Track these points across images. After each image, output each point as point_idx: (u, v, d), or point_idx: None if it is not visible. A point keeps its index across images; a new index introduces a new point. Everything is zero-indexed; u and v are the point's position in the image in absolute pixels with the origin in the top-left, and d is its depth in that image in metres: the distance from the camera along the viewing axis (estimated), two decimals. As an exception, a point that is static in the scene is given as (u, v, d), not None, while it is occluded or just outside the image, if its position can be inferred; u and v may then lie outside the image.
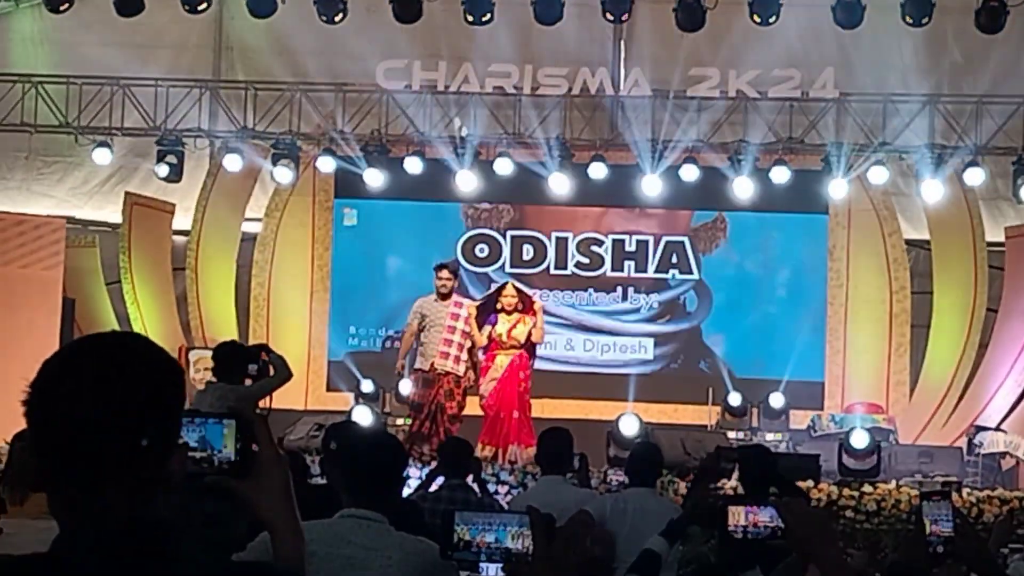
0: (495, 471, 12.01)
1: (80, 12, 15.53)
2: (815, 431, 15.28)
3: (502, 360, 12.76)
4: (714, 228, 17.12)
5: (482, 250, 17.26)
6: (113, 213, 17.20)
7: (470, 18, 15.02)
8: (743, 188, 16.00)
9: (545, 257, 17.22)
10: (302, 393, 15.96)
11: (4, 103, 16.31)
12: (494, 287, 14.10)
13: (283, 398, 10.20)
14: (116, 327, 15.84)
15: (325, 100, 16.68)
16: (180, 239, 17.34)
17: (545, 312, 13.47)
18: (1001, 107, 15.75)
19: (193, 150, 16.73)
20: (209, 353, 13.76)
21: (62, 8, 15.19)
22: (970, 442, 14.49)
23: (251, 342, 14.45)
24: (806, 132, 16.08)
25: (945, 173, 15.71)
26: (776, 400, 15.62)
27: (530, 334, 12.81)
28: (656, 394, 16.45)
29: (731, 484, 11.14)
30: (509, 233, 17.29)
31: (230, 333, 15.79)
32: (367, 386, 15.69)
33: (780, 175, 15.89)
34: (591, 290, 17.17)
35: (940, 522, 3.41)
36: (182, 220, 17.25)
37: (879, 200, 16.79)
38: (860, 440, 12.97)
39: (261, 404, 8.93)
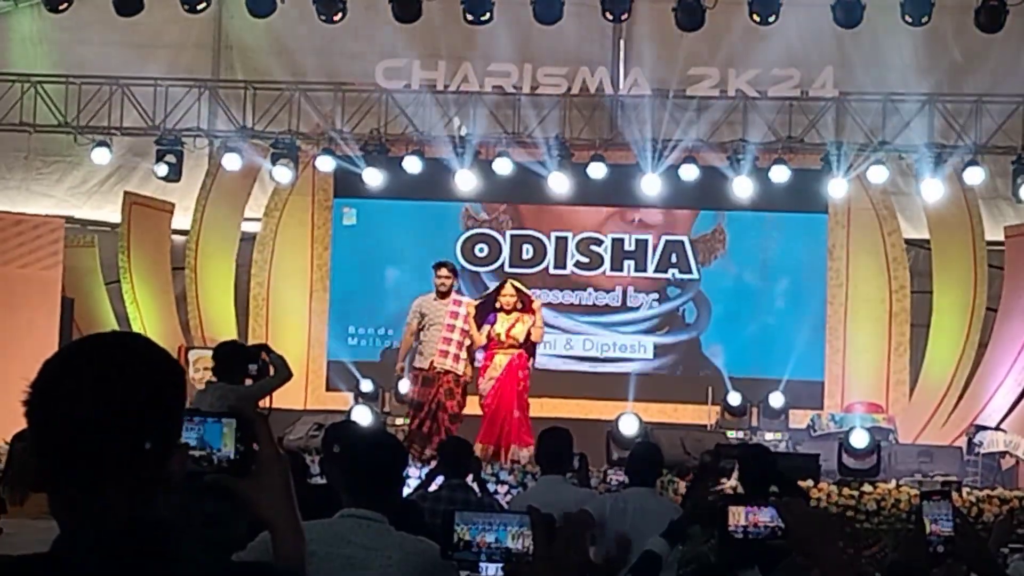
0: (495, 471, 12.00)
1: (79, 12, 15.53)
2: (815, 431, 15.28)
3: (501, 359, 12.74)
4: (712, 239, 17.12)
5: (481, 250, 17.27)
6: (112, 213, 17.19)
7: (469, 17, 15.01)
8: (743, 187, 16.01)
9: (544, 257, 17.22)
10: (301, 393, 15.96)
11: (3, 103, 16.31)
12: (493, 287, 14.08)
13: (282, 398, 10.20)
14: (115, 327, 15.85)
15: (324, 99, 16.68)
16: (179, 239, 17.34)
17: (536, 353, 13.39)
18: (1001, 106, 15.75)
19: (192, 150, 16.73)
20: (208, 353, 13.76)
21: (61, 8, 15.18)
22: (970, 441, 14.48)
23: (250, 342, 14.45)
24: (806, 131, 16.08)
25: (945, 172, 15.72)
26: (776, 399, 15.62)
27: (529, 333, 12.78)
28: (656, 394, 16.45)
29: (731, 483, 11.16)
30: (508, 233, 17.29)
31: (229, 333, 15.79)
32: (366, 386, 15.69)
33: (780, 174, 15.89)
34: (590, 289, 17.18)
35: (940, 522, 3.41)
36: (181, 220, 17.25)
37: (879, 199, 16.79)
38: (860, 440, 12.97)
39: (261, 404, 8.93)
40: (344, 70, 16.62)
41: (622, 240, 17.14)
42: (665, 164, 15.98)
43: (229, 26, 17.42)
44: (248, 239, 17.50)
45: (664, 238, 17.11)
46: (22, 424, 2.03)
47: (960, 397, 16.01)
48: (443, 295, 12.83)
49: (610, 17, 15.28)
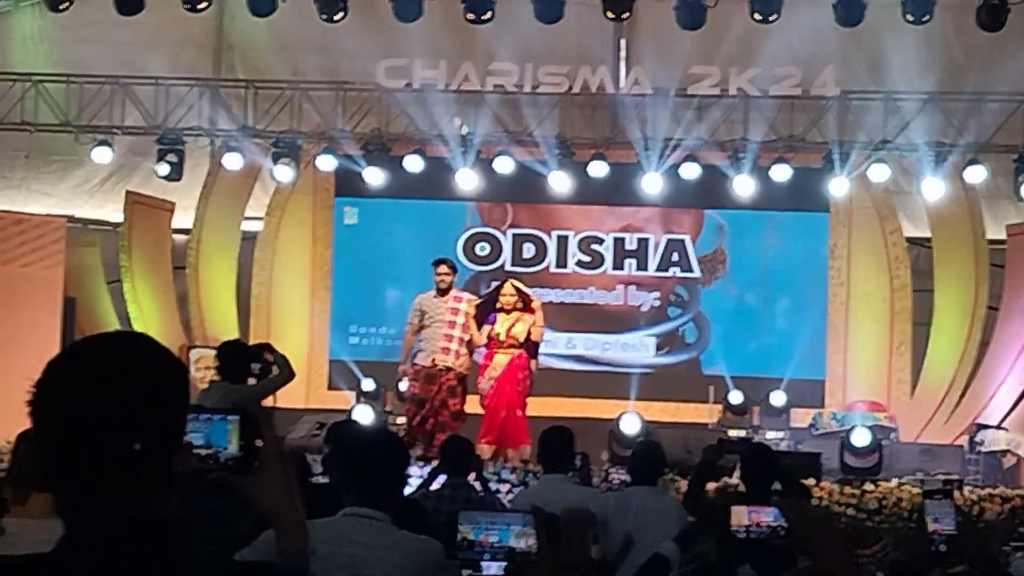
0: (496, 469, 11.99)
1: (80, 11, 15.52)
2: (816, 429, 15.27)
3: (501, 359, 12.71)
4: (714, 259, 17.12)
5: (483, 248, 17.27)
6: (114, 212, 17.20)
7: (471, 16, 15.01)
8: (744, 186, 16.01)
9: (546, 256, 17.22)
10: (303, 392, 15.95)
11: (4, 102, 16.31)
12: (490, 287, 14.08)
13: (284, 397, 10.22)
14: (117, 326, 15.88)
15: (325, 99, 16.69)
16: (181, 238, 17.34)
17: (540, 353, 13.36)
18: (1002, 105, 15.75)
19: (193, 149, 16.74)
20: (210, 352, 13.78)
21: (62, 7, 15.18)
22: (971, 440, 14.49)
23: (252, 341, 14.45)
24: (807, 130, 16.08)
25: (946, 171, 15.72)
26: (777, 398, 15.62)
27: (530, 332, 12.76)
28: (657, 392, 16.45)
29: (732, 482, 11.16)
30: (510, 231, 17.30)
31: (231, 332, 15.78)
32: (368, 385, 15.70)
33: (781, 173, 15.89)
34: (592, 288, 17.18)
35: (942, 520, 3.41)
36: (182, 219, 17.26)
37: (880, 198, 16.79)
38: (861, 438, 12.97)
39: (264, 403, 8.94)
40: (345, 69, 16.62)
41: (623, 239, 17.15)
42: (666, 163, 15.98)
43: (230, 25, 17.42)
44: (249, 238, 17.50)
45: (666, 237, 17.12)
46: (25, 423, 2.03)
47: (961, 396, 16.01)
48: (443, 292, 12.81)
49: (611, 16, 15.27)
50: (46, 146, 17.14)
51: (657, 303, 17.13)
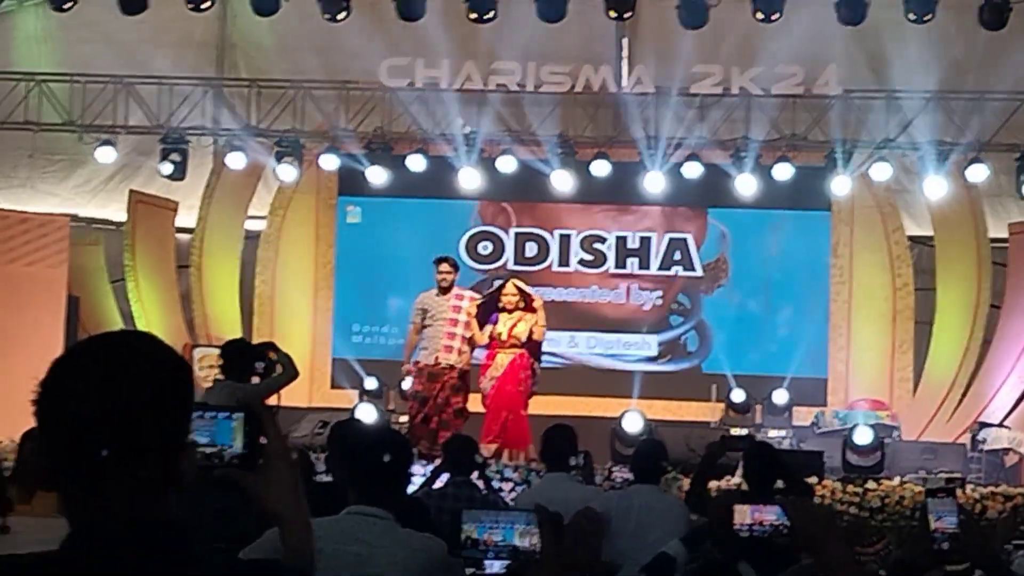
0: (499, 468, 11.99)
1: (84, 10, 15.52)
2: (819, 428, 15.28)
3: (502, 359, 12.70)
4: (716, 268, 17.12)
5: (485, 247, 17.28)
6: (117, 211, 17.21)
7: (473, 16, 15.01)
8: (746, 185, 16.01)
9: (548, 254, 17.23)
10: (306, 391, 15.97)
11: (8, 101, 16.32)
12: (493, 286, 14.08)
13: (287, 396, 10.22)
14: (120, 325, 15.90)
15: (328, 98, 16.70)
16: (184, 237, 17.35)
17: (543, 352, 13.35)
18: (1004, 103, 15.74)
19: (197, 148, 16.74)
20: (213, 351, 13.78)
21: (66, 6, 15.19)
22: (974, 438, 14.49)
23: (255, 340, 14.46)
24: (809, 129, 16.07)
25: (948, 169, 15.71)
26: (780, 397, 15.62)
27: (531, 332, 12.75)
28: (660, 391, 16.46)
29: (735, 480, 11.17)
30: (512, 230, 17.31)
31: (234, 331, 15.80)
32: (370, 383, 15.70)
33: (783, 172, 15.89)
34: (594, 287, 17.19)
35: (945, 519, 3.42)
36: (186, 218, 17.28)
37: (882, 197, 16.79)
38: (864, 437, 12.97)
39: (268, 402, 8.95)
40: (348, 68, 16.62)
41: (625, 238, 17.15)
42: (669, 162, 15.98)
43: (233, 25, 17.42)
44: (253, 237, 17.52)
45: (668, 236, 17.12)
46: (29, 421, 2.04)
47: (964, 394, 16.01)
48: (445, 291, 12.80)
49: (613, 15, 15.28)
50: (50, 145, 17.16)
51: (659, 302, 17.13)
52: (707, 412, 15.78)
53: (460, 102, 16.35)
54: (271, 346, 9.46)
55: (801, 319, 16.81)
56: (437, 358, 12.64)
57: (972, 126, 15.74)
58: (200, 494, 3.40)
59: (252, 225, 17.54)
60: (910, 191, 16.87)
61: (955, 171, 15.81)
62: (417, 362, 12.78)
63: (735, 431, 14.49)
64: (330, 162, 16.51)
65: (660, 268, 17.10)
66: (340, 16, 15.19)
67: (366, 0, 15.75)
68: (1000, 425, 14.83)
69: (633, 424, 13.68)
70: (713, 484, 9.44)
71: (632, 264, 17.15)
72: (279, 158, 16.48)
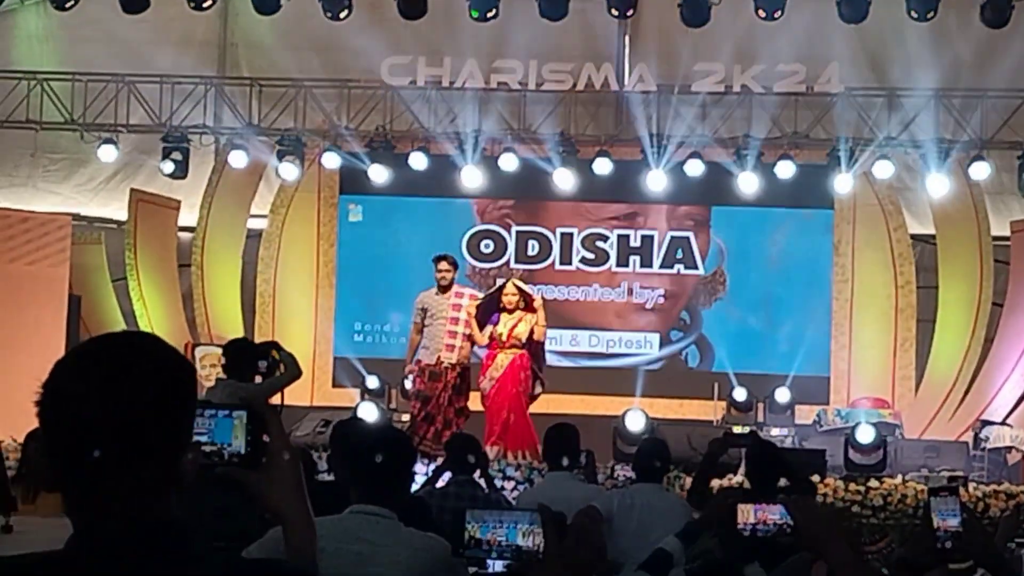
0: (501, 467, 11.99)
1: (85, 9, 15.51)
2: (821, 426, 15.27)
3: (503, 359, 12.68)
4: (714, 281, 17.12)
5: (487, 246, 17.28)
6: (119, 210, 17.22)
7: (475, 14, 15.01)
8: (748, 183, 16.01)
9: (550, 253, 17.23)
10: (308, 389, 15.98)
11: (9, 100, 16.33)
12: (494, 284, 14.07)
13: (288, 395, 10.20)
14: (122, 324, 15.91)
15: (330, 96, 16.71)
16: (186, 236, 17.36)
17: (544, 352, 13.33)
18: (1006, 101, 15.75)
19: (198, 147, 16.75)
20: (215, 350, 13.79)
21: (67, 5, 15.18)
22: (976, 436, 14.47)
23: (257, 338, 14.46)
24: (811, 127, 16.07)
25: (950, 167, 15.71)
26: (782, 395, 15.61)
27: (532, 332, 12.73)
28: (662, 389, 16.46)
29: (737, 479, 11.17)
30: (514, 229, 17.30)
31: (236, 330, 15.83)
32: (372, 382, 15.69)
33: (785, 170, 15.89)
34: (596, 285, 17.18)
35: (948, 518, 3.41)
36: (187, 217, 17.28)
37: (884, 195, 16.79)
38: (866, 435, 12.96)
39: (271, 401, 8.94)
40: (350, 67, 16.63)
41: (627, 236, 17.15)
42: (671, 160, 15.97)
43: (235, 23, 17.44)
44: (254, 236, 17.52)
45: (670, 234, 17.11)
46: (31, 420, 2.04)
47: (966, 392, 16.01)
48: (444, 289, 12.79)
49: (615, 13, 15.27)
50: (51, 144, 17.17)
51: (661, 300, 17.13)
52: (709, 410, 15.77)
53: (462, 100, 16.36)
54: (274, 345, 9.45)
55: (803, 317, 16.80)
56: (439, 357, 12.63)
57: (974, 124, 15.74)
58: (200, 492, 3.40)
59: (254, 224, 17.55)
60: (912, 189, 16.88)
61: (957, 169, 15.82)
62: (419, 362, 12.77)
63: (737, 429, 14.48)
64: (332, 160, 16.52)
65: (662, 266, 17.10)
66: (342, 14, 15.19)
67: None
68: (1003, 423, 14.82)
69: (635, 423, 13.67)
70: (715, 483, 9.43)
71: (634, 262, 17.14)
72: (280, 157, 16.48)
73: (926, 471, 13.00)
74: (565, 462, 7.81)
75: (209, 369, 14.32)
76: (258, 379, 9.02)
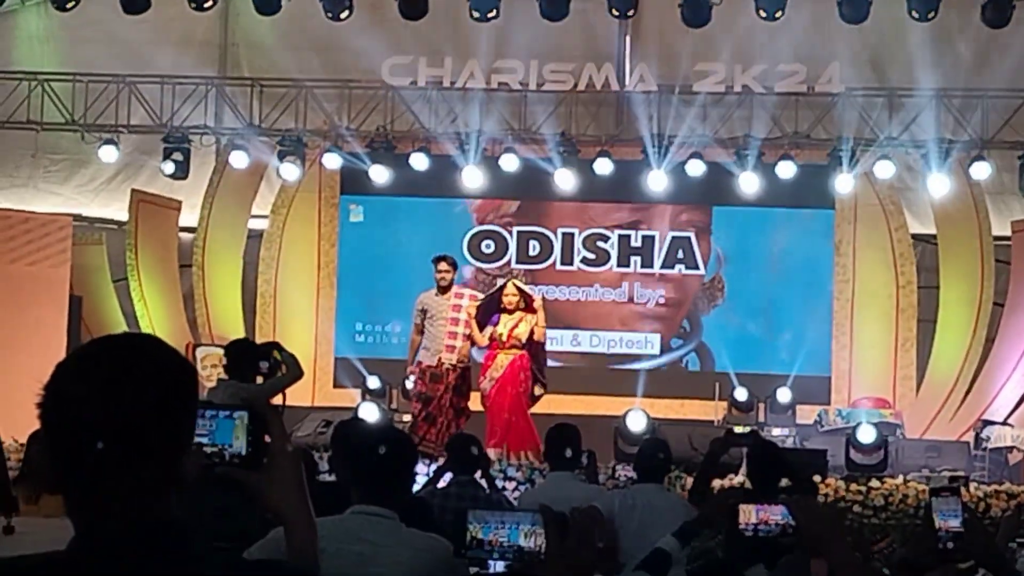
0: (503, 467, 11.99)
1: (86, 9, 15.52)
2: (822, 426, 15.27)
3: (503, 359, 12.66)
4: (712, 288, 17.11)
5: (488, 246, 17.28)
6: (120, 210, 17.22)
7: (475, 15, 15.00)
8: (749, 183, 16.00)
9: (551, 253, 17.23)
10: (309, 390, 15.98)
11: (10, 101, 16.33)
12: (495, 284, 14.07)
13: (290, 395, 10.21)
14: (123, 324, 15.92)
15: (331, 97, 16.71)
16: (187, 236, 17.37)
17: (545, 352, 13.31)
18: (1007, 101, 15.74)
19: (199, 147, 16.75)
20: (216, 350, 13.80)
21: (68, 6, 15.19)
22: (977, 436, 14.48)
23: (258, 339, 14.47)
24: (812, 127, 16.07)
25: (951, 167, 15.71)
26: (783, 395, 15.61)
27: (532, 332, 12.72)
28: (663, 390, 16.46)
29: (738, 479, 11.17)
30: (515, 229, 17.30)
31: (237, 330, 15.83)
32: (373, 382, 15.69)
33: (786, 170, 15.89)
34: (597, 285, 17.18)
35: (949, 518, 3.41)
36: (188, 217, 17.29)
37: (885, 195, 16.79)
38: (867, 435, 12.96)
39: (273, 402, 8.94)
40: (350, 67, 16.62)
41: (628, 236, 17.15)
42: (671, 160, 15.97)
43: (236, 23, 17.44)
44: (255, 236, 17.52)
45: (671, 234, 17.11)
46: (32, 419, 2.04)
47: (967, 392, 16.01)
48: (444, 290, 12.79)
49: (616, 14, 15.27)
50: (52, 145, 17.17)
51: (663, 299, 17.13)
52: (710, 411, 15.78)
53: (463, 101, 16.36)
54: (276, 346, 9.44)
55: (804, 318, 16.79)
56: (440, 359, 12.62)
57: (975, 123, 15.74)
58: (201, 493, 3.40)
59: (255, 224, 17.55)
60: (913, 189, 16.87)
61: (958, 169, 15.82)
62: (420, 363, 12.76)
63: (738, 429, 14.47)
64: (332, 161, 16.52)
65: (663, 267, 17.10)
66: (342, 15, 15.19)
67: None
68: (1004, 423, 14.82)
69: (636, 423, 13.67)
70: (716, 483, 9.42)
71: (635, 263, 17.14)
72: (281, 157, 16.48)
73: (927, 471, 13.01)
74: (569, 453, 7.79)
75: (210, 370, 14.32)
76: (259, 380, 9.01)
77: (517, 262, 17.06)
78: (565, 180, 16.25)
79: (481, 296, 13.14)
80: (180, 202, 17.24)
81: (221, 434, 2.45)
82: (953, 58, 16.38)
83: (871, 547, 10.77)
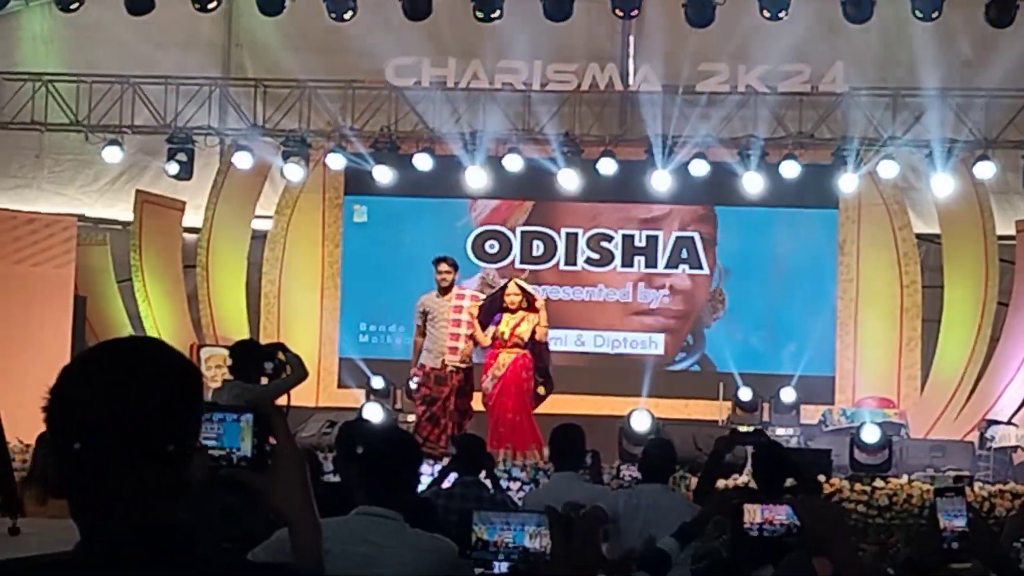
0: (507, 467, 11.99)
1: (90, 10, 15.54)
2: (826, 426, 15.26)
3: (505, 358, 12.66)
4: (714, 299, 17.10)
5: (492, 246, 17.27)
6: (124, 211, 17.23)
7: (479, 15, 15.01)
8: (753, 183, 15.99)
9: (555, 253, 17.22)
10: (313, 390, 15.94)
11: (15, 102, 16.35)
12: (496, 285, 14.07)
13: (294, 395, 10.21)
14: (127, 325, 15.93)
15: (335, 97, 16.72)
16: (191, 237, 17.37)
17: (548, 352, 13.30)
18: (1011, 101, 15.73)
19: (203, 148, 16.76)
20: (220, 351, 13.80)
21: (72, 6, 15.20)
22: (982, 436, 14.47)
23: (262, 339, 14.47)
24: (816, 127, 16.07)
25: (955, 167, 15.70)
26: (787, 395, 15.59)
27: (534, 332, 12.71)
28: (667, 389, 16.44)
29: (743, 479, 11.17)
30: (519, 229, 17.30)
31: (241, 330, 15.83)
32: (377, 383, 15.68)
33: (790, 170, 15.88)
34: (601, 285, 17.18)
35: (954, 518, 3.41)
36: (193, 218, 17.29)
37: (889, 194, 16.78)
38: (871, 435, 12.96)
39: (278, 403, 8.94)
40: (354, 68, 16.62)
41: (632, 236, 17.14)
42: (675, 160, 15.97)
43: (239, 24, 17.44)
44: (259, 237, 17.53)
45: (675, 234, 17.10)
46: (37, 420, 2.05)
47: (972, 392, 16.00)
48: (445, 291, 12.79)
49: (620, 13, 15.26)
50: (56, 145, 17.19)
51: (667, 299, 17.12)
52: (715, 411, 15.77)
53: (466, 101, 16.36)
54: (280, 347, 9.44)
55: (808, 317, 16.77)
56: (443, 361, 12.62)
57: (979, 123, 15.73)
58: (206, 494, 3.40)
59: (259, 225, 17.56)
60: (917, 188, 16.86)
61: (962, 168, 15.81)
62: (423, 365, 12.76)
63: (743, 429, 14.48)
64: (336, 161, 16.52)
65: (667, 267, 17.08)
66: (346, 15, 15.19)
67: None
68: (1008, 422, 14.81)
69: (641, 423, 13.66)
70: (721, 483, 9.42)
71: (639, 262, 17.13)
72: (285, 157, 16.49)
73: (932, 471, 13.00)
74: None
75: (215, 370, 14.32)
76: (264, 381, 9.02)
77: (521, 262, 17.06)
78: (569, 180, 16.25)
79: (482, 296, 13.15)
80: (184, 203, 17.24)
81: (228, 437, 2.45)
82: (957, 58, 16.36)
83: (885, 544, 10.76)
